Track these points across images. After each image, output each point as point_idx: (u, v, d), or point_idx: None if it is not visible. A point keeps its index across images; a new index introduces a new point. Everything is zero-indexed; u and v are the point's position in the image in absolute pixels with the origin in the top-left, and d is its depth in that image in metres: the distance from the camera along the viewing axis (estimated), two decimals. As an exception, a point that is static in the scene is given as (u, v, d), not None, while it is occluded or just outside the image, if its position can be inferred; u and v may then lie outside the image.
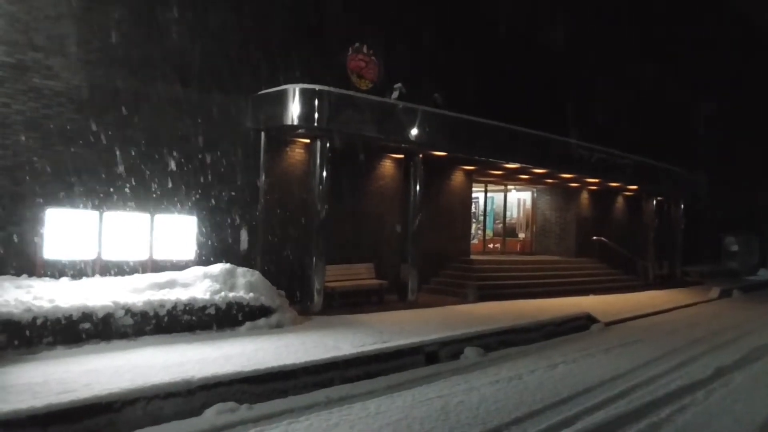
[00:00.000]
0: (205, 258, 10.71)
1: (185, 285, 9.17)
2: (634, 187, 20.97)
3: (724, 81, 28.19)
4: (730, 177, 28.86)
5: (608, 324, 12.45)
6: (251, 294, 9.49)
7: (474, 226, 19.91)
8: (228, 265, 9.82)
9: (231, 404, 6.16)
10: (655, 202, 22.31)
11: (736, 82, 29.13)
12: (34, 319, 7.22)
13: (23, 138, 9.15)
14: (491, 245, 21.13)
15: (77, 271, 9.15)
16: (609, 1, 21.48)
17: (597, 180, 19.01)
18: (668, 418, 6.48)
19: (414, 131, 12.83)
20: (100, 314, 7.77)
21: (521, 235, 22.15)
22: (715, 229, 28.31)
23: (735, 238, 29.02)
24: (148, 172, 10.48)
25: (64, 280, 8.63)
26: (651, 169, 20.75)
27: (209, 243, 11.18)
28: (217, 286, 9.29)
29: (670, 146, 23.66)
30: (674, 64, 24.59)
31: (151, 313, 8.28)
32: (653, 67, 23.35)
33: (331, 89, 11.41)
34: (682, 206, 23.73)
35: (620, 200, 22.85)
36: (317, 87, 11.23)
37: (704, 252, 26.90)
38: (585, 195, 21.10)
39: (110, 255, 9.48)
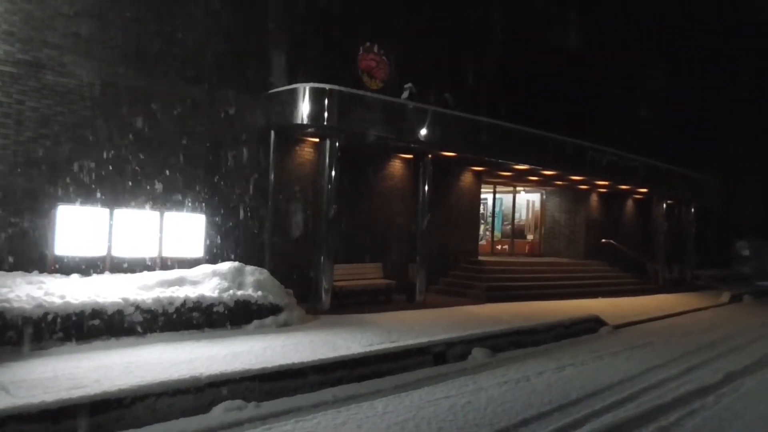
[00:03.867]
0: (213, 256, 10.75)
1: (194, 283, 9.20)
2: (645, 189, 20.83)
3: (740, 84, 27.96)
4: (742, 181, 28.62)
5: (617, 327, 12.39)
6: (259, 292, 9.51)
7: (482, 227, 19.86)
8: (236, 263, 9.85)
9: (239, 402, 6.18)
10: (665, 205, 22.15)
11: (752, 85, 28.88)
12: (45, 314, 7.27)
13: (36, 135, 9.23)
14: (499, 247, 21.08)
15: (88, 267, 9.22)
16: (623, 3, 21.36)
17: (607, 182, 18.90)
18: (677, 422, 6.44)
19: (424, 131, 12.81)
20: (110, 311, 7.81)
21: (530, 237, 22.08)
22: (726, 233, 28.09)
23: (747, 242, 28.79)
24: (158, 170, 10.54)
25: (75, 276, 8.69)
26: (662, 172, 20.60)
27: (218, 241, 11.23)
28: (226, 284, 9.32)
29: (683, 149, 23.50)
30: (689, 66, 24.42)
31: (160, 311, 8.32)
32: (667, 69, 23.21)
33: (341, 88, 11.42)
34: (693, 210, 23.56)
35: (630, 203, 22.72)
36: (327, 86, 11.25)
37: (715, 256, 26.69)
38: (595, 197, 20.99)
39: (120, 252, 9.55)
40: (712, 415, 6.74)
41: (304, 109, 11.22)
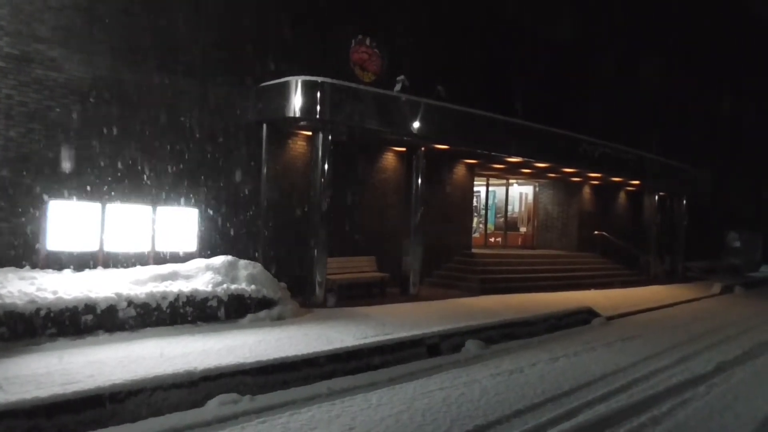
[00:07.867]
0: (207, 250, 10.72)
1: (187, 277, 9.18)
2: (637, 182, 20.92)
3: (731, 76, 28.04)
4: (734, 173, 28.76)
5: (610, 318, 12.47)
6: (253, 286, 9.50)
7: (476, 219, 19.89)
8: (230, 257, 9.84)
9: (233, 395, 6.18)
10: (657, 197, 22.26)
11: (743, 78, 28.96)
12: (38, 310, 7.24)
13: (26, 129, 9.15)
14: (492, 239, 21.12)
15: (80, 262, 9.17)
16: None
17: (599, 175, 18.96)
18: (669, 412, 6.49)
19: (416, 124, 12.80)
20: (103, 306, 7.79)
21: (523, 229, 22.14)
22: (717, 225, 28.23)
23: (738, 234, 28.95)
24: (150, 164, 10.49)
25: (67, 271, 8.65)
26: (654, 164, 20.70)
27: (211, 235, 11.19)
28: (219, 278, 9.31)
29: (674, 142, 23.59)
30: (680, 58, 24.47)
31: (154, 305, 8.30)
32: (659, 62, 23.23)
33: (334, 81, 11.38)
34: (685, 202, 23.69)
35: (623, 195, 22.81)
36: (319, 79, 11.21)
37: (706, 248, 26.84)
38: (587, 189, 21.06)
39: (113, 247, 9.52)
40: (704, 405, 6.79)
41: (297, 102, 11.19)
